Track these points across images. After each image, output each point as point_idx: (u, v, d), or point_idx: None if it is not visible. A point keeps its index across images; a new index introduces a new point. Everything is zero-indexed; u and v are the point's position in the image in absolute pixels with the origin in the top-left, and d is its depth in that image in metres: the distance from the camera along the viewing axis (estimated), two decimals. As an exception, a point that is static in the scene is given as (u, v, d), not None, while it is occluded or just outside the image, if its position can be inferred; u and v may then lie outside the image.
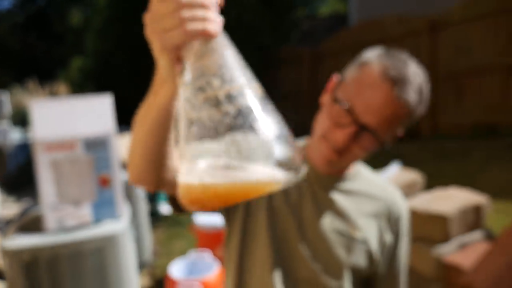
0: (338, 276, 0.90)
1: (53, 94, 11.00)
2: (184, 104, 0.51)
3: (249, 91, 0.50)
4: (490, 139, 5.40)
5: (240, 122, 0.48)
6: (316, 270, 0.90)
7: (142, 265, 3.47)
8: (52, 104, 2.15)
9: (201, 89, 0.50)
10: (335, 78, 0.90)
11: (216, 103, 0.49)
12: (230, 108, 0.48)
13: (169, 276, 2.37)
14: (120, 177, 2.28)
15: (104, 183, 2.26)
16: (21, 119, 8.26)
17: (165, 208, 4.56)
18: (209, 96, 0.49)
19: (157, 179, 0.69)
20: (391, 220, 0.95)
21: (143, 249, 3.52)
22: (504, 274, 1.33)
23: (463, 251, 1.57)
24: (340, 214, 0.91)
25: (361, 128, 0.81)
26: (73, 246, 2.03)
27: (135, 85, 8.46)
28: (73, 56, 12.18)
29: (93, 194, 2.21)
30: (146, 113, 0.63)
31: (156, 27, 0.52)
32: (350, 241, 0.90)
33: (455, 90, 5.98)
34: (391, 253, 0.96)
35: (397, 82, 0.79)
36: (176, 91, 0.58)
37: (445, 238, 1.60)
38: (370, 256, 0.92)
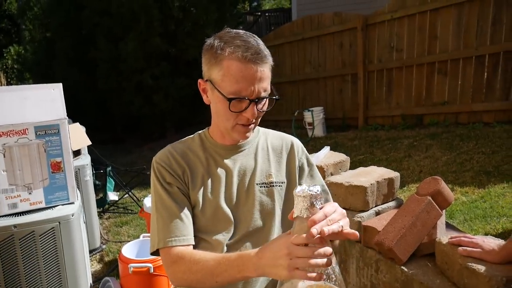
0: (271, 218, 1.17)
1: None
2: None
3: None
4: (416, 129, 5.95)
5: None
6: (255, 220, 1.15)
7: (90, 251, 3.54)
8: (3, 91, 2.20)
9: None
10: (202, 82, 1.15)
11: None
12: None
13: (122, 255, 2.50)
14: (71, 162, 2.37)
15: (56, 168, 2.34)
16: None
17: (113, 196, 4.62)
18: None
19: None
20: (291, 150, 1.26)
21: (92, 235, 3.59)
22: (406, 232, 1.64)
23: (379, 217, 1.88)
24: (256, 170, 1.19)
25: (256, 100, 1.07)
26: (26, 227, 2.11)
27: (77, 76, 8.27)
28: (8, 44, 11.56)
29: (46, 179, 2.29)
30: (224, 277, 0.99)
31: (291, 263, 0.82)
32: (270, 186, 1.19)
33: (387, 84, 6.49)
34: (306, 169, 1.27)
35: (251, 58, 1.04)
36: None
37: (365, 207, 1.90)
38: (289, 188, 1.21)
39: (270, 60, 1.09)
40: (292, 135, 1.33)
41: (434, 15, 5.76)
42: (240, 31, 1.10)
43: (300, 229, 0.85)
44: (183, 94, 7.67)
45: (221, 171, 1.17)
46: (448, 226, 1.85)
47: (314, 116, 6.65)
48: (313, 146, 5.92)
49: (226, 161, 1.19)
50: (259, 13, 14.03)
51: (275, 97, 1.12)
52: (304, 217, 0.85)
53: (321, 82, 7.43)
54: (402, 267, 1.63)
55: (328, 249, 0.83)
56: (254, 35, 1.11)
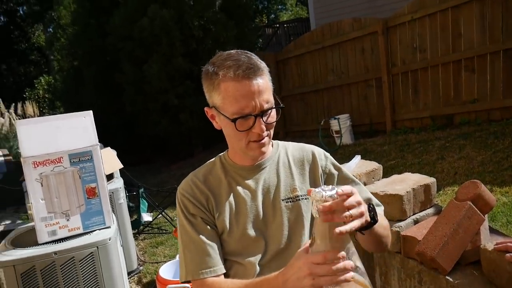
0: (300, 232, 1.15)
1: (21, 115, 10.81)
2: None
3: None
4: (447, 130, 5.79)
5: None
6: (285, 236, 1.14)
7: (128, 273, 3.59)
8: (37, 122, 2.28)
9: None
10: (208, 110, 1.17)
11: None
12: None
13: (160, 277, 2.52)
14: (106, 187, 2.41)
15: (92, 193, 2.39)
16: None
17: (147, 217, 4.68)
18: None
19: None
20: (313, 160, 1.23)
21: (129, 257, 3.64)
22: (448, 240, 1.59)
23: (418, 226, 1.82)
24: (280, 186, 1.17)
25: (261, 114, 1.06)
26: (66, 254, 2.16)
27: (105, 100, 8.51)
28: (38, 75, 12.04)
29: (82, 205, 2.34)
30: None
31: (315, 283, 0.82)
32: (296, 200, 1.17)
33: (413, 86, 6.37)
34: (334, 173, 1.23)
35: (243, 75, 1.03)
36: None
37: (403, 216, 1.85)
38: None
39: (266, 71, 1.09)
40: (320, 144, 1.31)
41: (456, 12, 5.64)
42: (232, 51, 1.12)
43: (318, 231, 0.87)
44: (209, 111, 7.75)
45: (244, 193, 1.17)
46: (492, 230, 1.78)
47: (341, 124, 6.58)
48: (342, 154, 5.84)
49: (249, 181, 1.18)
50: (278, 25, 14.13)
51: (280, 106, 1.12)
52: (316, 216, 0.86)
53: (345, 89, 7.36)
54: (447, 277, 1.57)
55: (348, 263, 0.82)
56: (247, 52, 1.12)
